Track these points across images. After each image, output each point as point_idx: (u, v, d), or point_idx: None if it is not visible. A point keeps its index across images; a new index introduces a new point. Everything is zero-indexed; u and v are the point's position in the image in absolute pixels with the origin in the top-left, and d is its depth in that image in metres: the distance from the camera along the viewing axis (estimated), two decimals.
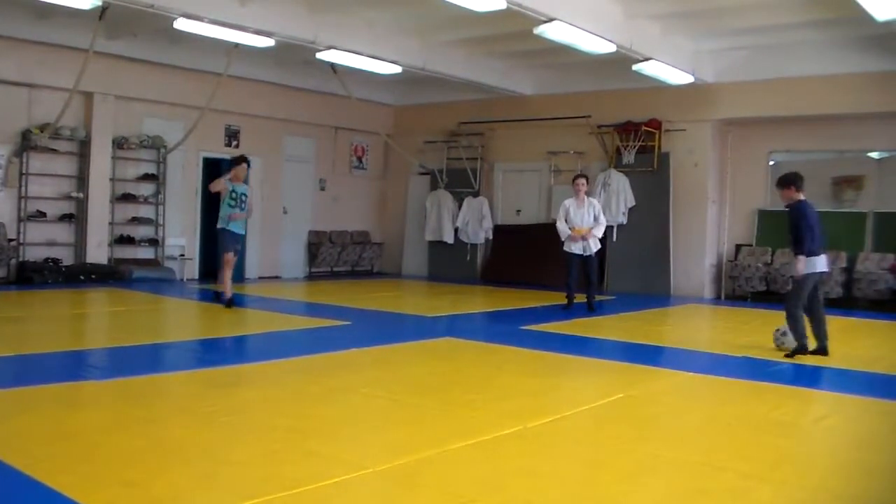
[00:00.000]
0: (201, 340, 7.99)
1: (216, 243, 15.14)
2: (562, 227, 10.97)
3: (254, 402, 5.25)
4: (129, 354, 6.84)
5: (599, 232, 11.03)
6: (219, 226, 10.19)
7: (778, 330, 7.93)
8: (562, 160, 15.09)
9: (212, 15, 9.86)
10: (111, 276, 12.69)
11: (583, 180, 11.14)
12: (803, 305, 7.62)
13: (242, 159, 10.35)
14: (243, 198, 10.16)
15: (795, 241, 7.61)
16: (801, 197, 7.76)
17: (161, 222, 13.73)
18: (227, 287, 10.19)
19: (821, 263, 7.66)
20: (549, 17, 9.23)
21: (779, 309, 11.72)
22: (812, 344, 7.62)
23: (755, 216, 13.52)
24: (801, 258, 7.54)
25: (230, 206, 10.10)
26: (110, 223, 13.08)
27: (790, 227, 7.71)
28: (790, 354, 7.51)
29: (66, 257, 12.69)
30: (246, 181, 10.59)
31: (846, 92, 11.91)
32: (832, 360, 7.48)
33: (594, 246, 11.02)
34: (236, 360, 6.80)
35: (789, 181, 7.83)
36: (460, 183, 16.06)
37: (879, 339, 9.51)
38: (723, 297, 13.59)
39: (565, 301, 11.03)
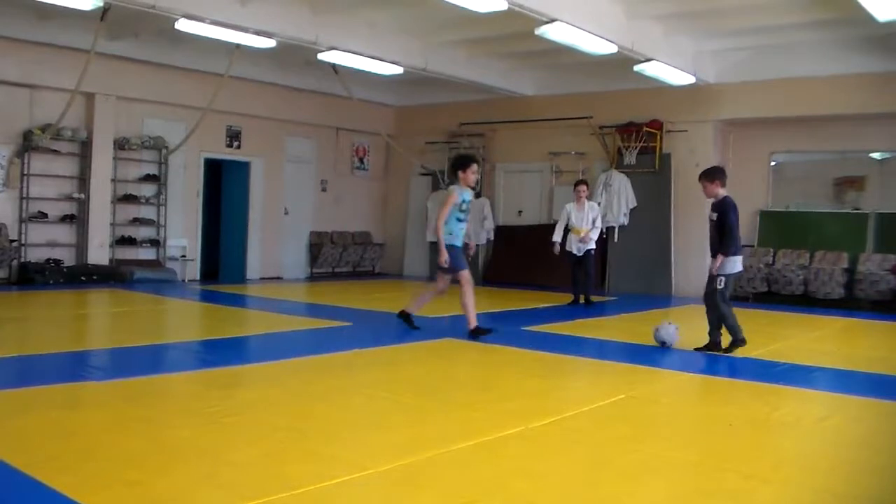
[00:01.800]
0: (202, 341, 7.99)
1: (217, 244, 15.36)
2: (558, 228, 11.47)
3: (255, 402, 5.24)
4: (130, 355, 6.84)
5: (594, 235, 11.50)
6: (448, 243, 8.16)
7: (657, 329, 7.99)
8: (563, 161, 15.09)
9: (213, 16, 9.87)
10: (112, 276, 12.70)
11: (583, 187, 11.50)
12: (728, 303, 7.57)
13: (472, 158, 8.52)
14: (468, 206, 8.40)
15: (722, 239, 7.44)
16: (725, 192, 7.64)
17: (162, 223, 13.75)
18: (473, 314, 8.18)
19: (741, 263, 7.62)
20: (550, 18, 9.23)
21: (780, 310, 11.81)
22: (727, 340, 7.65)
23: (757, 217, 13.52)
24: (727, 258, 7.38)
25: (459, 219, 8.23)
26: (111, 224, 13.10)
27: (717, 225, 7.53)
28: (728, 349, 7.53)
29: (68, 258, 12.70)
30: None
31: (848, 92, 11.91)
32: (833, 361, 7.48)
33: (588, 245, 11.46)
34: (237, 361, 6.79)
35: (715, 175, 7.67)
36: None
37: (881, 340, 9.50)
38: None
39: (571, 298, 11.57)
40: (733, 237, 7.40)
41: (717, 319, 7.64)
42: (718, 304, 7.51)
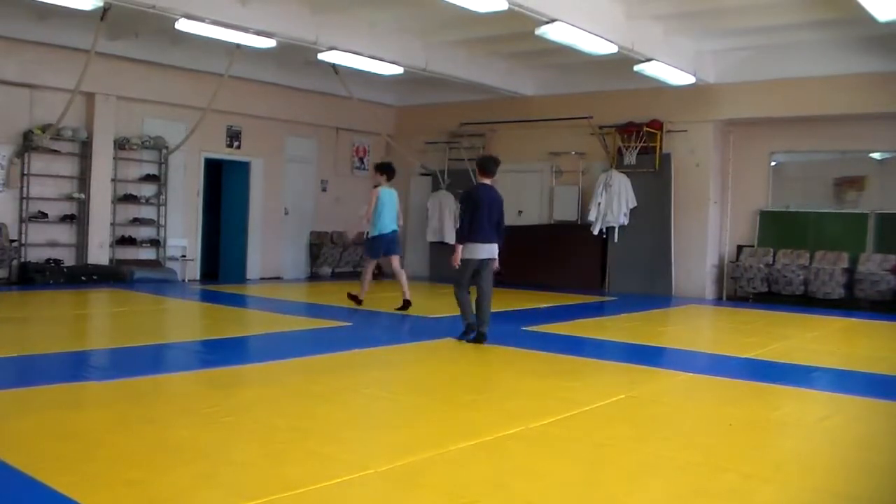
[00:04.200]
0: (203, 341, 7.99)
1: (217, 244, 15.36)
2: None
3: (255, 402, 5.25)
4: (130, 355, 6.84)
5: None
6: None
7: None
8: (563, 161, 15.09)
9: (213, 16, 9.87)
10: (112, 276, 12.70)
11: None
12: (467, 289, 7.85)
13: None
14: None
15: (459, 226, 7.80)
16: (485, 181, 7.77)
17: (162, 223, 13.74)
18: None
19: (482, 251, 7.66)
20: (550, 18, 9.23)
21: (780, 310, 11.80)
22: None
23: (756, 217, 13.51)
24: (458, 246, 7.68)
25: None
26: (112, 224, 13.09)
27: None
28: (465, 333, 7.85)
29: (68, 258, 12.70)
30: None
31: (848, 92, 11.90)
32: (833, 361, 7.48)
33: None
34: (238, 361, 6.80)
35: (477, 163, 7.98)
36: (462, 183, 15.95)
37: (881, 340, 9.50)
38: (724, 297, 13.59)
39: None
40: (461, 225, 7.71)
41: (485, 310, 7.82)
42: (455, 287, 7.84)
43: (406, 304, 10.21)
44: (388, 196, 10.38)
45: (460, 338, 7.89)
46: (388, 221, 10.33)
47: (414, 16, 11.41)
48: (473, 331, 7.81)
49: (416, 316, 10.21)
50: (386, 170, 10.55)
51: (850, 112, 12.04)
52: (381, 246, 10.41)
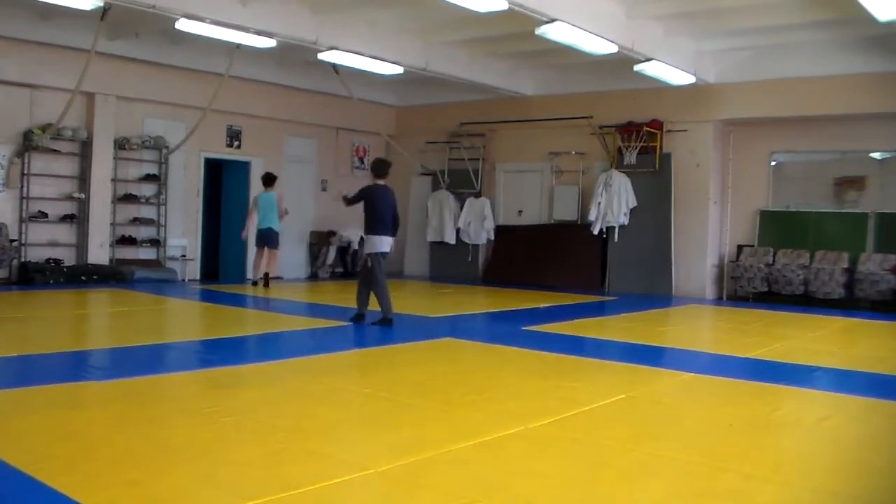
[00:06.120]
0: (202, 341, 7.99)
1: (217, 244, 15.35)
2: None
3: (255, 402, 5.25)
4: (130, 355, 6.84)
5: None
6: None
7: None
8: (563, 160, 15.10)
9: (213, 16, 9.87)
10: (113, 276, 12.70)
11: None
12: (370, 278, 8.67)
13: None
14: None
15: (364, 221, 8.75)
16: (379, 182, 8.81)
17: (162, 223, 13.74)
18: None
19: (385, 243, 8.68)
20: (550, 18, 9.24)
21: (780, 310, 11.81)
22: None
23: (757, 217, 13.52)
24: (369, 237, 8.68)
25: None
26: (112, 224, 13.10)
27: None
28: (352, 318, 8.80)
29: (68, 258, 12.70)
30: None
31: (848, 92, 11.91)
32: (833, 361, 7.48)
33: None
34: (238, 361, 6.79)
35: (370, 167, 9.21)
36: (462, 183, 16.05)
37: (881, 340, 9.50)
38: (724, 297, 13.59)
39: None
40: (366, 221, 8.71)
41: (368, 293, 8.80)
42: (376, 280, 8.69)
43: (266, 282, 12.89)
44: (265, 200, 12.91)
45: (352, 320, 8.79)
46: (264, 219, 12.86)
47: (414, 16, 11.41)
48: (361, 319, 8.77)
49: (416, 316, 10.21)
50: (264, 179, 13.12)
51: (850, 112, 12.05)
52: (261, 237, 12.94)
